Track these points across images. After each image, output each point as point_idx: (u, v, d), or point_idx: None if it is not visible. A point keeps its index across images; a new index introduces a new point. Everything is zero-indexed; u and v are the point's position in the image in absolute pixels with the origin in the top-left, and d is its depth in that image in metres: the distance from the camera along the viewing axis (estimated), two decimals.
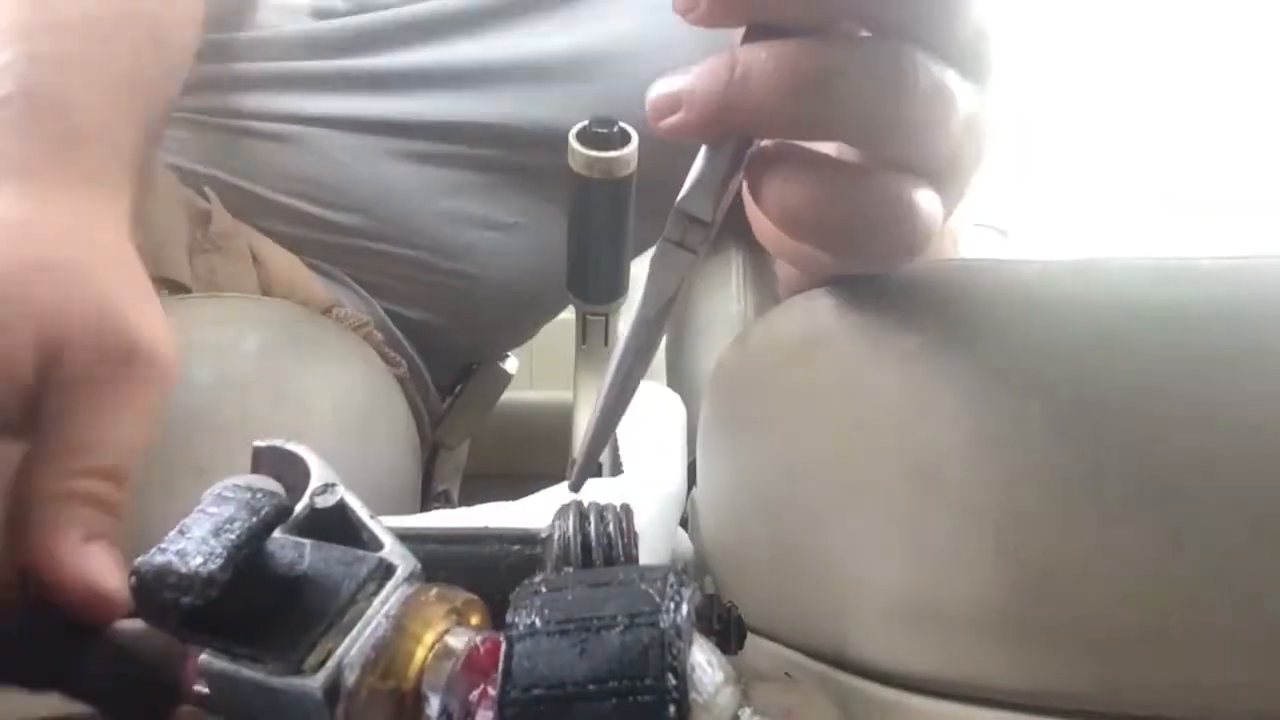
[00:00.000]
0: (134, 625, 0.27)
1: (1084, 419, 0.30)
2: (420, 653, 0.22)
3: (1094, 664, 0.30)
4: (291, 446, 0.30)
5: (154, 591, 0.21)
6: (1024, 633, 0.31)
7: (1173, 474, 0.30)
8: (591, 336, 0.64)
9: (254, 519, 0.22)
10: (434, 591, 0.23)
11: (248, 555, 0.21)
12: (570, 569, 0.25)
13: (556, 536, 0.26)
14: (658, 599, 0.21)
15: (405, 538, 0.26)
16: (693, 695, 0.21)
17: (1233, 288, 0.32)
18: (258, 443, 0.29)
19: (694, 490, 0.52)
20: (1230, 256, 0.34)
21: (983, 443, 0.32)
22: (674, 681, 0.20)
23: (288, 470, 0.30)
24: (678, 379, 0.90)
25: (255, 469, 0.27)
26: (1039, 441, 0.31)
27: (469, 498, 0.84)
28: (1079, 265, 0.34)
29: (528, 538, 0.26)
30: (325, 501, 0.25)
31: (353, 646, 0.22)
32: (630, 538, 0.25)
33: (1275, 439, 0.29)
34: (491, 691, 0.21)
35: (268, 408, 0.49)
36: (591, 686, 0.20)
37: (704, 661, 0.21)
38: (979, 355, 0.33)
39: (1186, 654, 0.29)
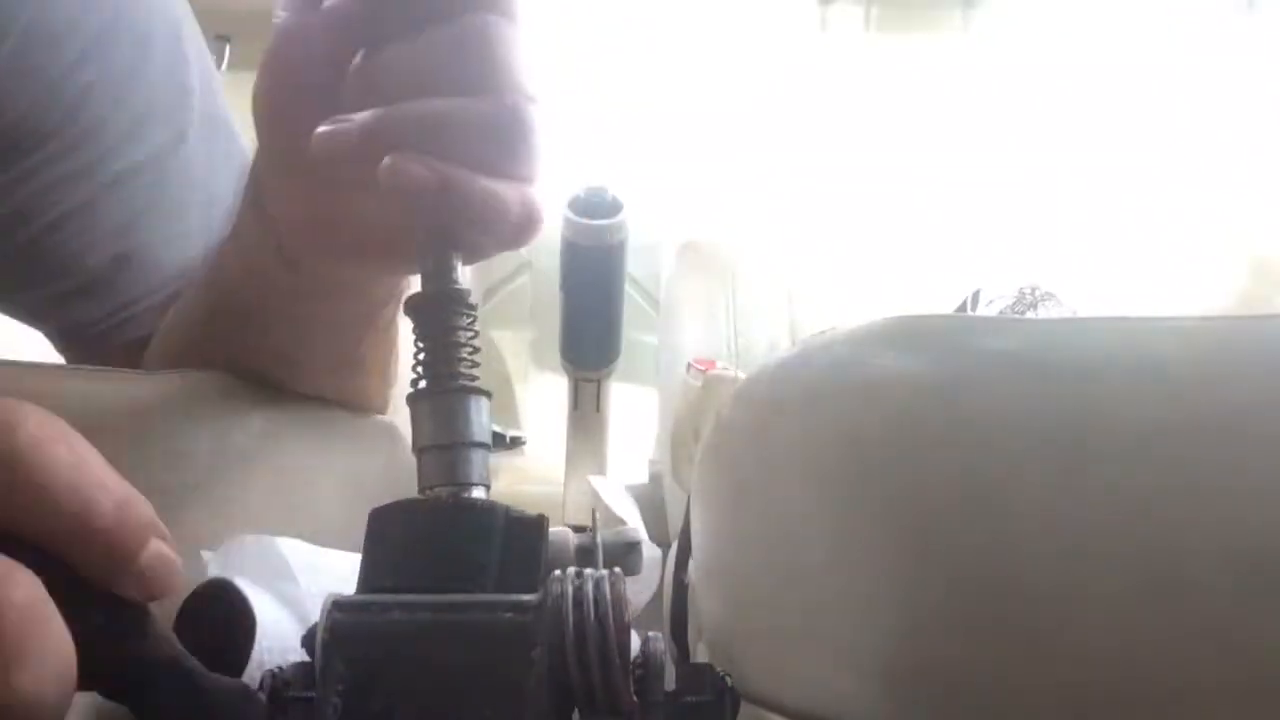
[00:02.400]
0: None
1: (1076, 479, 0.30)
2: None
3: None
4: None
5: None
6: (1017, 694, 0.31)
7: (1162, 531, 0.30)
8: (583, 401, 0.64)
9: None
10: None
11: None
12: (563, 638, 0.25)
13: (548, 604, 0.26)
14: None
15: (398, 606, 0.26)
16: None
17: (1217, 347, 0.32)
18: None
19: (691, 561, 0.52)
20: (1216, 317, 0.34)
21: (974, 503, 0.32)
22: None
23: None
24: None
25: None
26: (1031, 502, 0.31)
27: None
28: (1072, 325, 0.34)
29: (518, 605, 0.26)
30: None
31: None
32: (621, 602, 0.25)
33: (1261, 495, 0.29)
34: None
35: (270, 481, 0.48)
36: None
37: None
38: (969, 412, 0.33)
39: (1184, 710, 0.29)
